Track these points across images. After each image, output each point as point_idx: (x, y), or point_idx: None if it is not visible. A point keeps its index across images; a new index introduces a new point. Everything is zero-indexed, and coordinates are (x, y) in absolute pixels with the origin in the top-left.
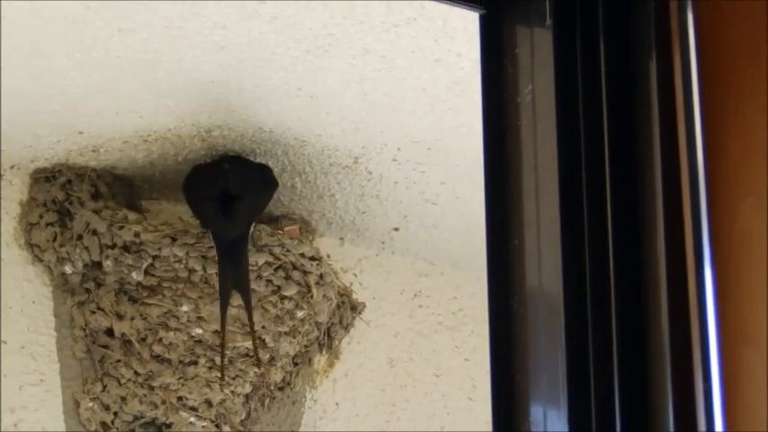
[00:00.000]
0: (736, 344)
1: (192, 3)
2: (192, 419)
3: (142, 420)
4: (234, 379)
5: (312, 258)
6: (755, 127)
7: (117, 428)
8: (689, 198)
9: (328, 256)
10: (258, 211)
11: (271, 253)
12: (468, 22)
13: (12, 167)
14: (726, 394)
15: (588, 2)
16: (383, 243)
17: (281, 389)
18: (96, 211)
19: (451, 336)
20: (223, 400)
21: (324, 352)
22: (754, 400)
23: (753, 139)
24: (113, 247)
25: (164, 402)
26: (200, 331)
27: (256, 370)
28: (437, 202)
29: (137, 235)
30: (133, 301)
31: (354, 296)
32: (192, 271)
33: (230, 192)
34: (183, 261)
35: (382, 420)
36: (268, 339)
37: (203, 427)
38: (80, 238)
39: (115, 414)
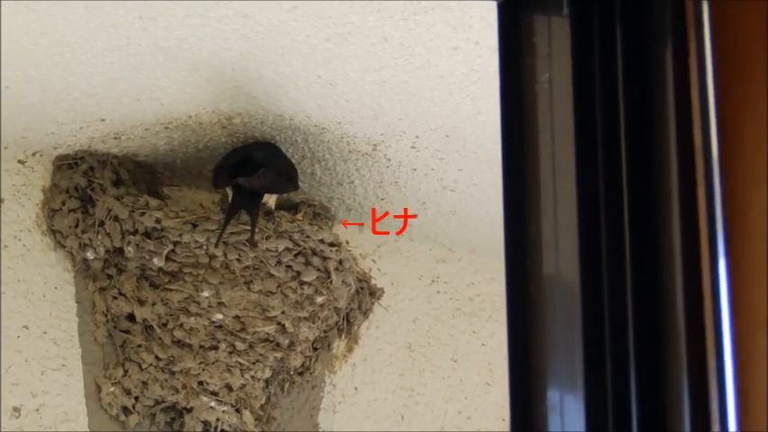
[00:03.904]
0: (749, 327)
1: None
2: (213, 404)
3: (163, 405)
4: (254, 364)
5: (331, 244)
6: None
7: (138, 413)
8: (703, 186)
9: (347, 242)
10: (272, 187)
11: (290, 239)
12: (486, 10)
13: (34, 154)
14: (738, 376)
15: None
16: None
17: (300, 374)
18: (118, 198)
19: (469, 321)
20: (243, 385)
21: (343, 337)
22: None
23: (766, 129)
24: (135, 233)
25: (184, 387)
26: (220, 316)
27: (276, 355)
28: (455, 189)
29: (158, 221)
30: (154, 286)
31: (373, 282)
32: (212, 257)
33: (255, 158)
34: (204, 247)
35: (400, 404)
36: (288, 324)
37: (224, 411)
38: (102, 224)
39: (136, 399)
